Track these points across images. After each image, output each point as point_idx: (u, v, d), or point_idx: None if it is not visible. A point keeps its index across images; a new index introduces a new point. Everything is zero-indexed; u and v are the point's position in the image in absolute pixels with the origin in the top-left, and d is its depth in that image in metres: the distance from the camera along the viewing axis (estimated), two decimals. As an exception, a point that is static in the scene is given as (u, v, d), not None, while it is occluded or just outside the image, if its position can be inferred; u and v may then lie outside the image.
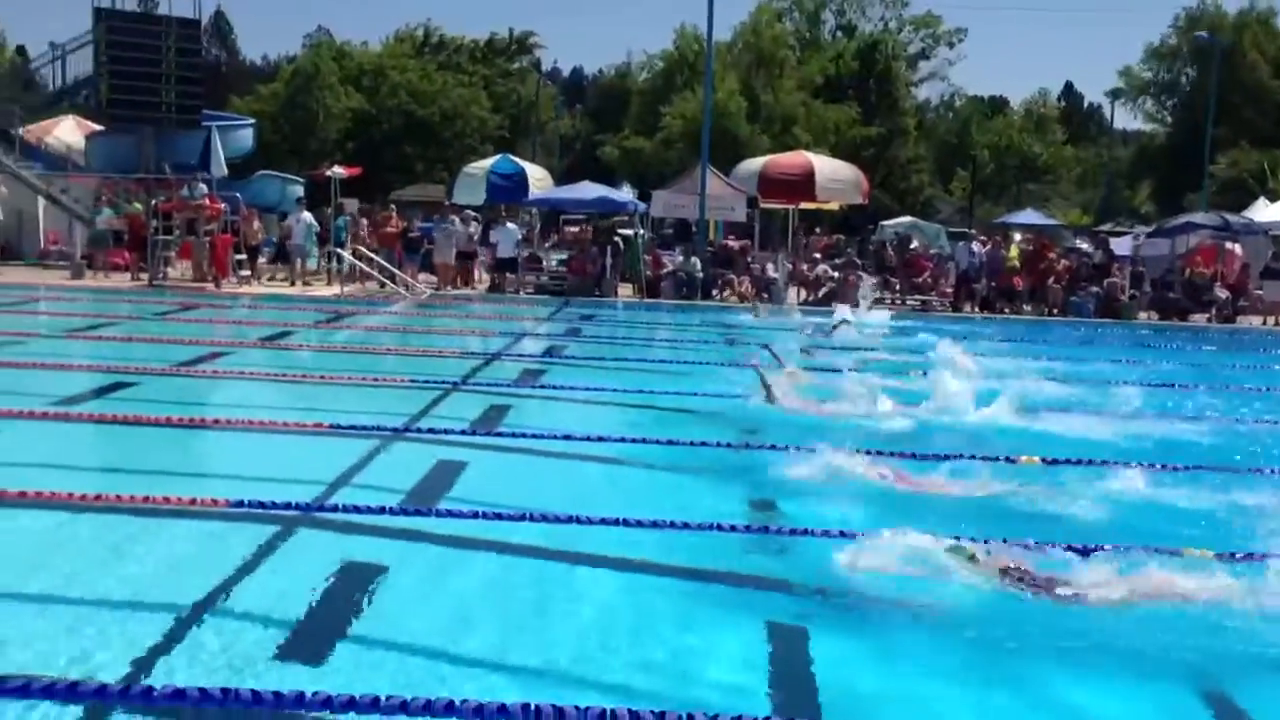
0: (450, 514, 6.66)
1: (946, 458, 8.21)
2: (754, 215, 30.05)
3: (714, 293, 25.10)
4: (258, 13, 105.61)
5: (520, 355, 15.34)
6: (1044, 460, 8.43)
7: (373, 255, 23.51)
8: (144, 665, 4.41)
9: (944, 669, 4.82)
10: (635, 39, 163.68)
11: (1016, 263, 25.40)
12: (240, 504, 6.54)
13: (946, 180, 62.50)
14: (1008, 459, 8.41)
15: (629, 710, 4.04)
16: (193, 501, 6.57)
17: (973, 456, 8.34)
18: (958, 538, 5.80)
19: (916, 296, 25.87)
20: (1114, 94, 61.19)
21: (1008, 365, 14.47)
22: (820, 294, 24.76)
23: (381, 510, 6.64)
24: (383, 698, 4.05)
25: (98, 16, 27.71)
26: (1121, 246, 29.33)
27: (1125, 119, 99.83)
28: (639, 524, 6.51)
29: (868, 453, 8.13)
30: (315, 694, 4.09)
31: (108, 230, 24.74)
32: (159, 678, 4.29)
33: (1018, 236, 29.70)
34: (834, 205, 32.35)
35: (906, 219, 38.89)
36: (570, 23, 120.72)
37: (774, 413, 10.29)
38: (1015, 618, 5.27)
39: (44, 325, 17.08)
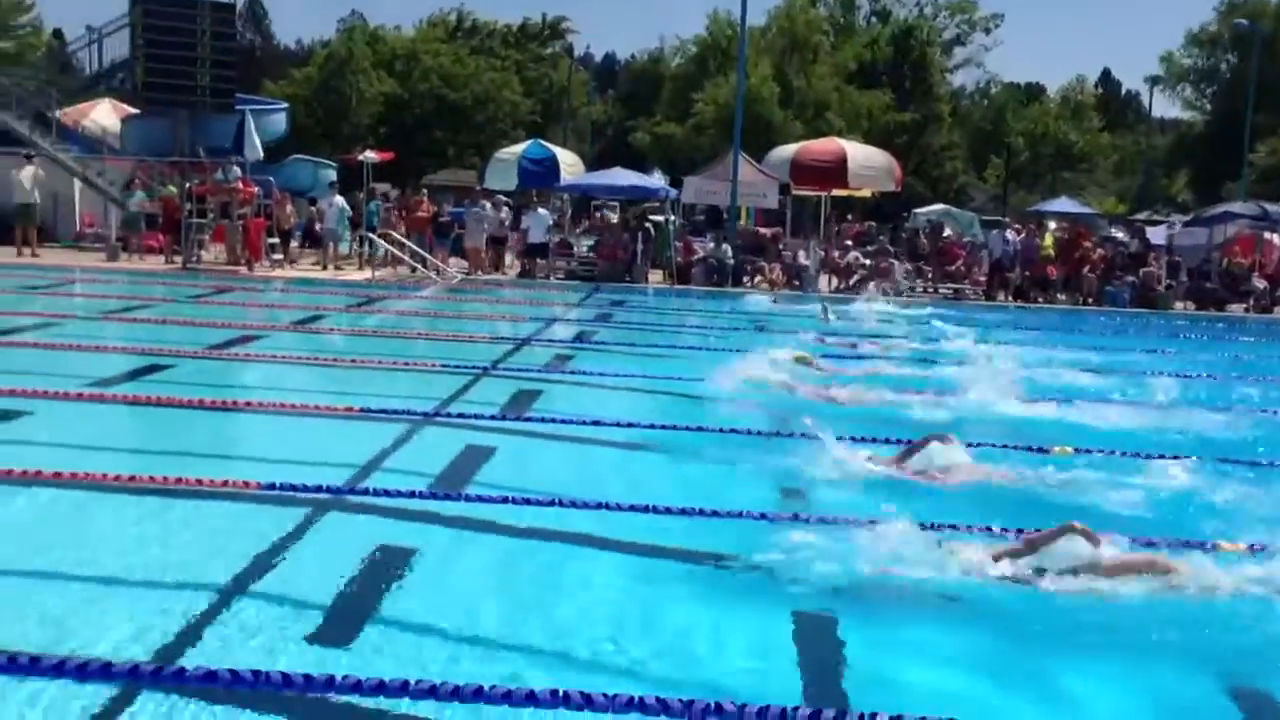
0: (479, 499, 6.68)
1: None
2: (786, 202, 29.91)
3: (744, 279, 25.02)
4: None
5: (550, 340, 15.36)
6: (1075, 449, 8.35)
7: (404, 240, 23.59)
8: (176, 646, 4.46)
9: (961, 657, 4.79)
10: (668, 24, 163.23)
11: (1051, 251, 25.10)
12: (272, 486, 6.59)
13: (980, 168, 61.91)
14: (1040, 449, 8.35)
15: (657, 698, 4.04)
16: (225, 483, 6.64)
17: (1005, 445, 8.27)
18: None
19: (949, 285, 25.68)
20: (1153, 81, 60.52)
21: (1040, 355, 14.35)
22: (852, 282, 24.63)
23: (411, 494, 6.67)
24: (411, 682, 4.08)
25: (134, 0, 27.88)
26: (1157, 235, 28.96)
27: (1163, 107, 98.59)
28: (667, 511, 6.50)
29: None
30: (345, 677, 4.13)
31: (140, 213, 24.95)
32: (191, 659, 4.33)
33: (1052, 225, 29.30)
34: (866, 192, 32.09)
35: (940, 206, 38.54)
36: (603, 8, 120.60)
37: (799, 401, 10.21)
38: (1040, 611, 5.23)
39: (79, 307, 17.25)
